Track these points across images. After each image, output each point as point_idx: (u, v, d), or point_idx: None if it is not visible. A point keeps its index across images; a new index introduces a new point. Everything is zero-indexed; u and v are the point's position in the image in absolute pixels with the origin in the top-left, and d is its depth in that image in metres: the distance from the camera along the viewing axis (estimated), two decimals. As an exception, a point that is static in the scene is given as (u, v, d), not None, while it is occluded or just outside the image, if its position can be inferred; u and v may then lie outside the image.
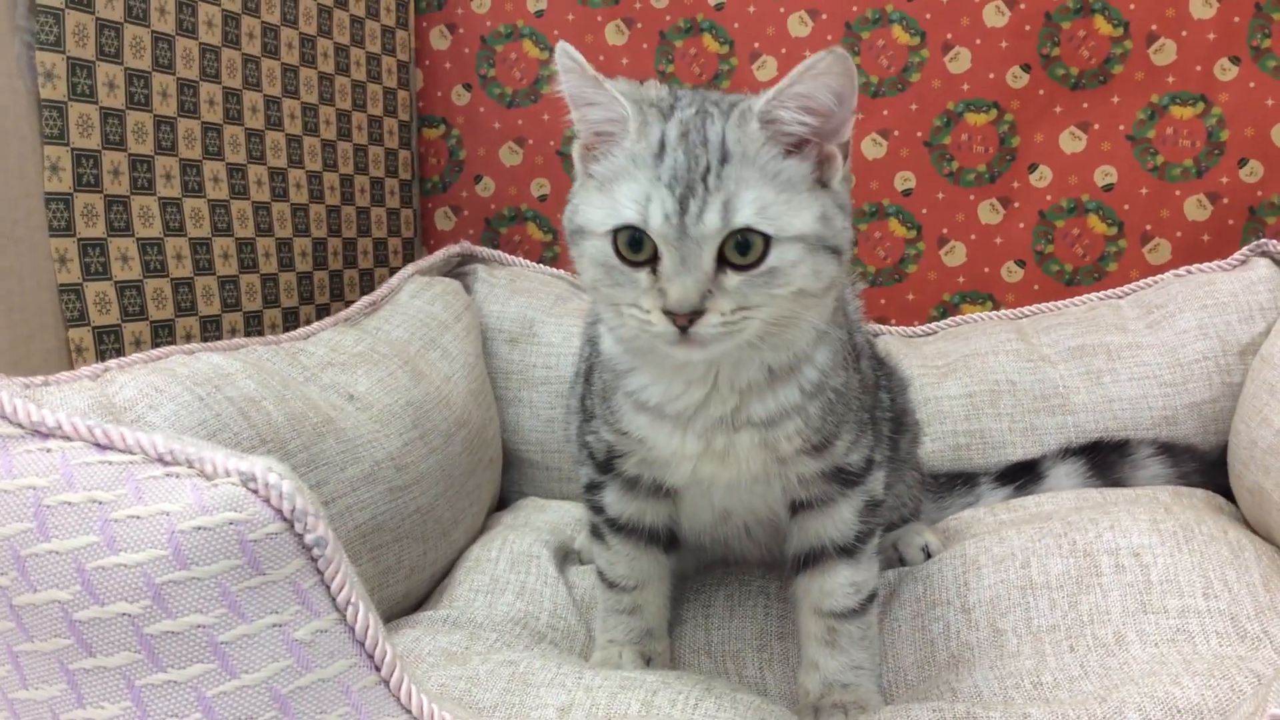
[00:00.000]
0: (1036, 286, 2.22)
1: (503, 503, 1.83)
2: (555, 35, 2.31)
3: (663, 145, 0.98)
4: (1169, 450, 1.62)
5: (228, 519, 0.73)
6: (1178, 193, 2.13)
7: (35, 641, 0.74)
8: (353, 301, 1.79)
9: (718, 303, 0.96)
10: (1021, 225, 2.21)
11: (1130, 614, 1.18)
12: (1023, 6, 2.13)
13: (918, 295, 2.28)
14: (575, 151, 1.07)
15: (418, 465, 1.44)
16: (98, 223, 1.47)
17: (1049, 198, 2.19)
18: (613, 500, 1.26)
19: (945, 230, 2.24)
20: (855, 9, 2.20)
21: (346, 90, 2.10)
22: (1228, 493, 1.57)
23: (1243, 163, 2.10)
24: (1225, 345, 1.66)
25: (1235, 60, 2.08)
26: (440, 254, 1.94)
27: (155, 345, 1.56)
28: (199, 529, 0.73)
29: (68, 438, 0.78)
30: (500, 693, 1.07)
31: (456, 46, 2.38)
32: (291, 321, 1.93)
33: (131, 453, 0.77)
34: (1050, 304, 1.92)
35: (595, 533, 1.30)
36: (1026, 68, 2.16)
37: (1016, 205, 2.21)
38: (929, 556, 1.43)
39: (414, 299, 1.75)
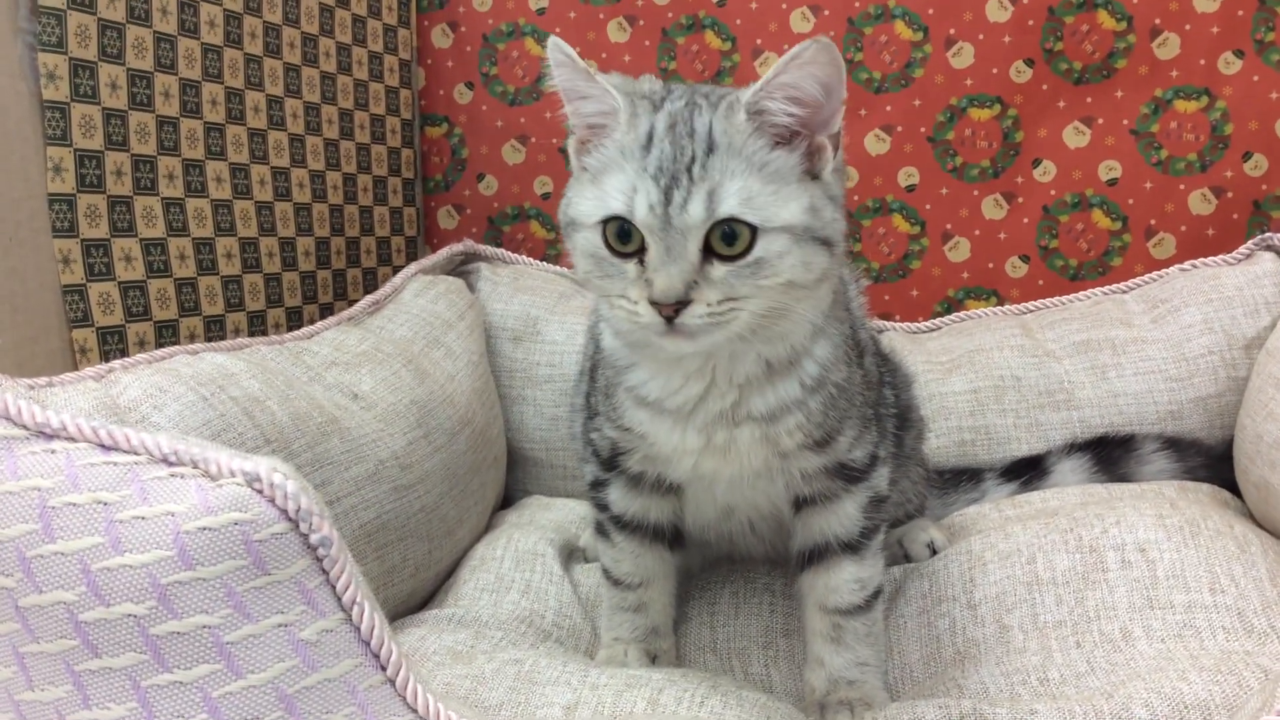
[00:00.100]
0: (1041, 282, 2.21)
1: (507, 501, 1.83)
2: (557, 33, 2.30)
3: (650, 136, 0.99)
4: (1174, 445, 1.61)
5: (233, 519, 0.73)
6: (1182, 187, 2.13)
7: (41, 643, 0.74)
8: (356, 300, 1.79)
9: (704, 293, 0.96)
10: (1025, 220, 2.21)
11: (1136, 609, 1.18)
12: (1025, 1, 2.13)
13: (922, 291, 2.27)
14: (570, 146, 1.08)
15: (422, 464, 1.44)
16: (101, 223, 1.47)
17: (1053, 193, 2.19)
18: (617, 497, 1.26)
19: (949, 226, 2.24)
20: (858, 4, 2.19)
21: (349, 89, 2.10)
22: (1234, 487, 1.56)
23: (1247, 156, 2.09)
24: (1230, 339, 1.66)
25: (1239, 54, 2.07)
26: (443, 252, 1.94)
27: (159, 345, 1.56)
28: (204, 529, 0.72)
29: (72, 439, 0.78)
30: (506, 691, 1.07)
31: (458, 45, 2.37)
32: (295, 321, 1.93)
33: (136, 453, 0.77)
34: (1055, 299, 1.91)
35: (600, 530, 1.30)
36: (1030, 62, 2.15)
37: (1020, 200, 2.21)
38: (934, 553, 1.43)
39: (417, 298, 1.75)
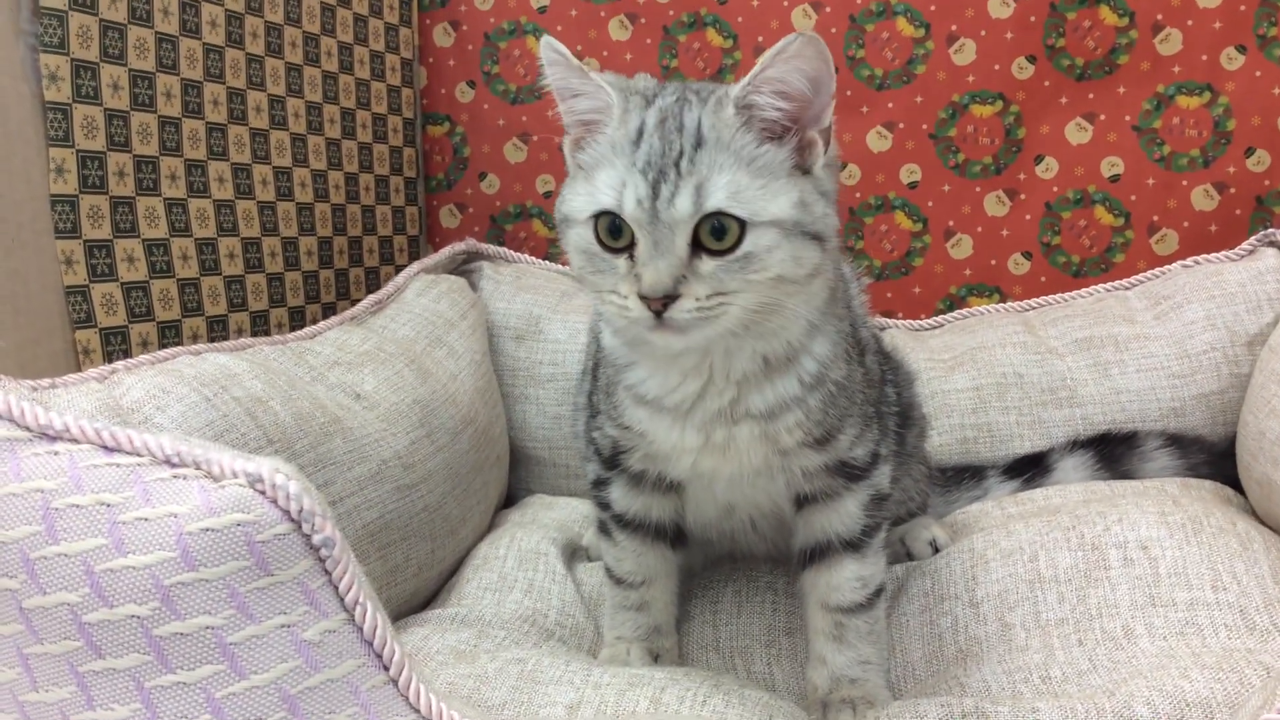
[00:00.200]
0: (1043, 278, 2.21)
1: (510, 500, 1.83)
2: (558, 31, 2.31)
3: (641, 132, 0.99)
4: (1177, 442, 1.61)
5: (235, 520, 0.73)
6: (1184, 183, 2.13)
7: (45, 644, 0.74)
8: (358, 300, 1.79)
9: (692, 288, 0.96)
10: (1028, 217, 2.21)
11: (1139, 607, 1.18)
12: (1027, -3, 2.13)
13: (924, 288, 2.27)
14: (565, 145, 1.08)
15: (425, 464, 1.44)
16: (103, 224, 1.48)
17: (1055, 189, 2.19)
18: (619, 496, 1.26)
19: (951, 223, 2.24)
20: (859, 1, 2.19)
21: (350, 88, 2.11)
22: (1236, 484, 1.56)
23: (1249, 152, 2.09)
24: (1233, 336, 1.65)
25: (1241, 49, 2.07)
26: (445, 252, 1.94)
27: (162, 346, 1.57)
28: (207, 530, 0.73)
29: (75, 440, 0.78)
30: (509, 690, 1.07)
31: (460, 43, 2.37)
32: (298, 321, 1.93)
33: (139, 455, 0.77)
34: (1057, 296, 1.91)
35: (602, 529, 1.31)
36: (1032, 59, 2.15)
37: (1023, 197, 2.20)
38: (936, 551, 1.43)
39: (420, 297, 1.75)
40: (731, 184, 0.96)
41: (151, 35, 1.56)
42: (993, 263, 2.23)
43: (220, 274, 1.72)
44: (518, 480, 1.86)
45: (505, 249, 2.02)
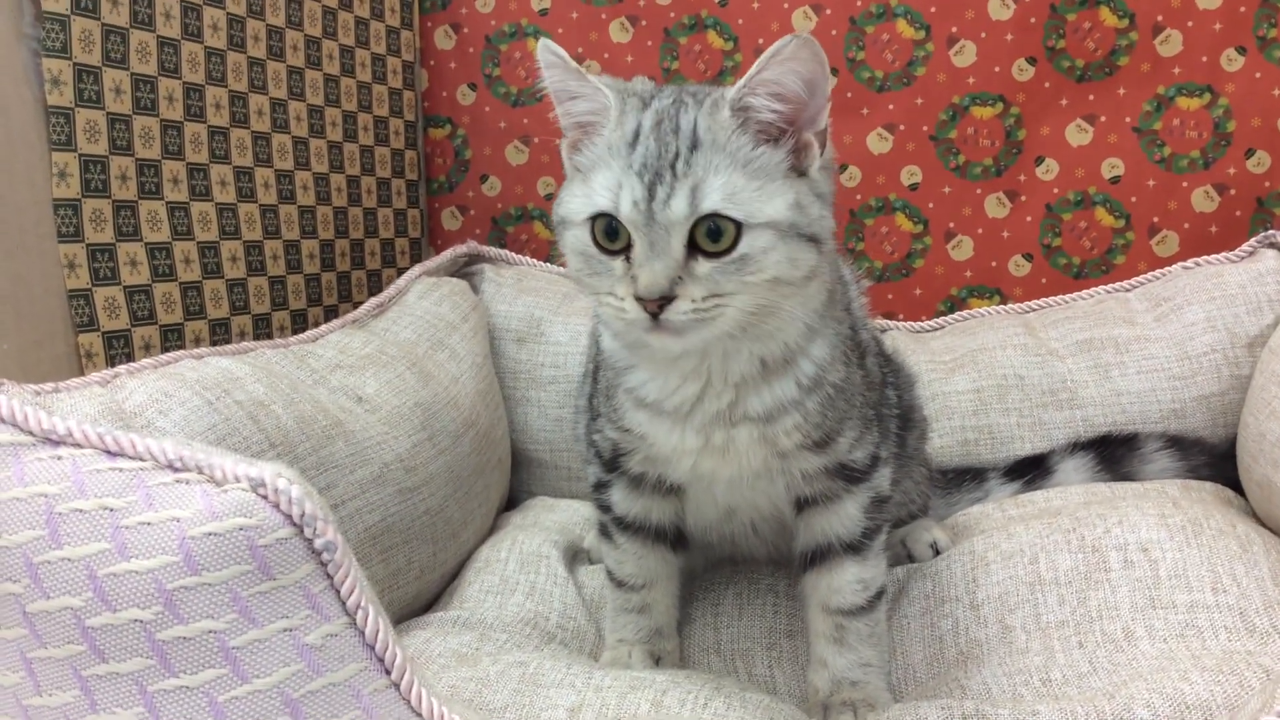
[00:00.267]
0: (1044, 280, 2.21)
1: (512, 502, 1.83)
2: (559, 33, 2.31)
3: (637, 134, 1.00)
4: (1178, 444, 1.62)
5: (238, 525, 0.74)
6: (1185, 184, 2.13)
7: (48, 648, 0.74)
8: (360, 302, 1.80)
9: (688, 289, 0.96)
10: (1028, 219, 2.21)
11: (1139, 609, 1.18)
12: (1028, -1, 2.13)
13: (925, 290, 2.27)
14: (563, 149, 1.08)
15: (427, 466, 1.44)
16: (106, 228, 1.48)
17: (1056, 191, 2.19)
18: (619, 498, 1.26)
19: (952, 224, 2.24)
20: (859, 3, 2.20)
21: (352, 92, 2.11)
22: (1237, 486, 1.56)
23: (1250, 153, 2.09)
24: (1234, 337, 1.65)
25: (1241, 50, 2.07)
26: (447, 254, 1.94)
27: (164, 349, 1.57)
28: (209, 535, 0.73)
29: (78, 445, 0.79)
30: (511, 694, 1.08)
31: (461, 46, 2.38)
32: (300, 323, 1.94)
33: (141, 459, 0.77)
34: (1058, 298, 1.91)
35: (603, 532, 1.31)
36: (1032, 60, 2.15)
37: (1023, 199, 2.21)
38: (937, 553, 1.43)
39: (421, 300, 1.75)
40: (727, 186, 0.96)
41: (153, 39, 1.56)
42: (993, 264, 2.24)
43: (222, 277, 1.73)
44: (519, 482, 1.86)
45: (507, 251, 2.03)
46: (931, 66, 2.19)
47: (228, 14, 1.73)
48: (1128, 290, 1.86)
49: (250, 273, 1.80)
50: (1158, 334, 1.71)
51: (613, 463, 1.24)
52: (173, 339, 1.61)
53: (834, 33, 2.21)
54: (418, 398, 1.50)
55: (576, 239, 1.03)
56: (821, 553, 1.21)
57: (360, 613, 0.78)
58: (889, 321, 2.00)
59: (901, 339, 1.87)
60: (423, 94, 2.40)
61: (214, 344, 1.65)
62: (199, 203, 1.67)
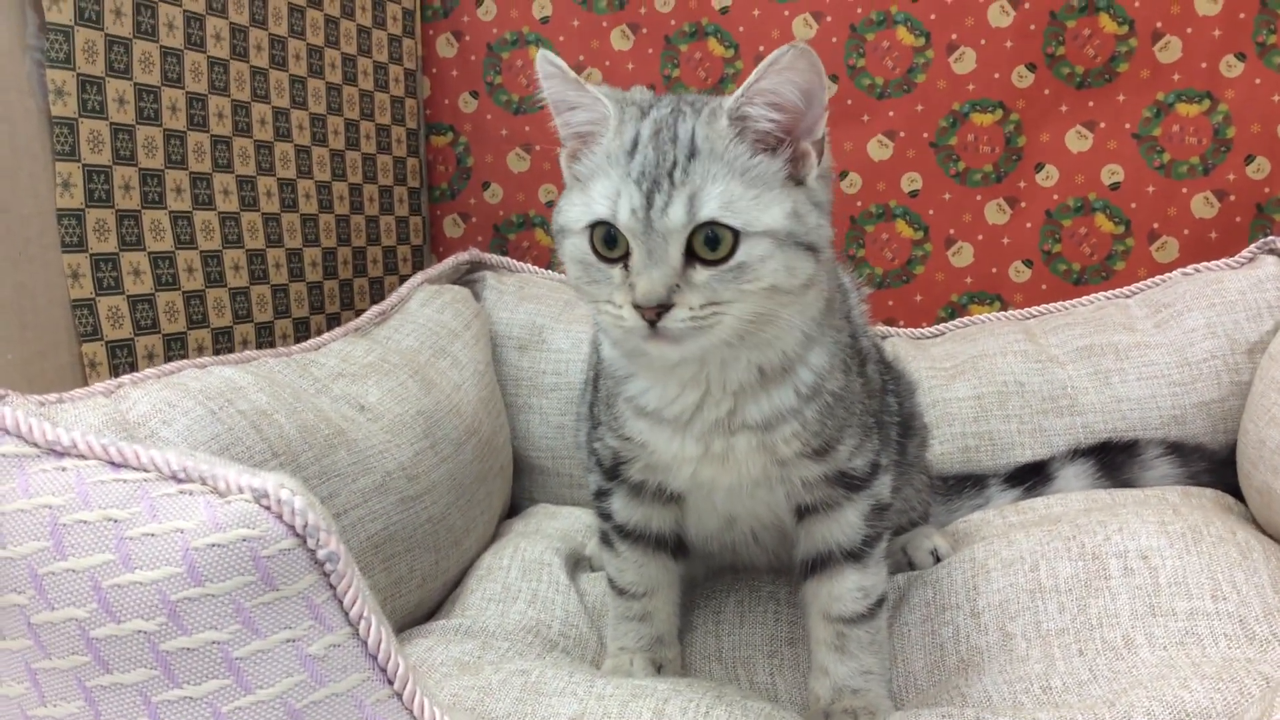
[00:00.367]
0: (1044, 286, 2.21)
1: (514, 510, 1.84)
2: (561, 41, 2.32)
3: (636, 142, 1.00)
4: (1178, 450, 1.62)
5: (241, 535, 0.74)
6: (1185, 190, 2.13)
7: (53, 659, 0.75)
8: (363, 310, 1.80)
9: (686, 297, 0.97)
10: (1029, 225, 2.21)
11: (1139, 617, 1.18)
12: (1027, 6, 2.13)
13: (925, 296, 2.28)
14: (562, 159, 1.09)
15: (429, 475, 1.45)
16: (109, 237, 1.49)
17: (1056, 197, 2.19)
18: (620, 506, 1.27)
19: (952, 231, 2.24)
20: (860, 11, 2.20)
21: (354, 100, 2.12)
22: (1238, 492, 1.56)
23: (1249, 159, 2.09)
24: (1233, 344, 1.66)
25: (1241, 57, 2.07)
26: (449, 262, 1.95)
27: (168, 358, 1.58)
28: (213, 546, 0.73)
29: (83, 456, 0.79)
30: (513, 702, 1.08)
31: (463, 54, 2.39)
32: (302, 331, 1.94)
33: (145, 470, 0.78)
34: (1058, 304, 1.92)
35: (604, 540, 1.31)
36: (1032, 67, 2.15)
37: (1023, 205, 2.21)
38: (938, 560, 1.43)
39: (423, 307, 1.76)
40: (725, 194, 0.97)
41: (156, 49, 1.57)
42: (994, 270, 2.24)
43: (225, 286, 1.73)
44: (521, 489, 1.87)
45: (508, 258, 2.03)
46: (931, 73, 2.20)
47: (230, 23, 1.73)
48: (1128, 296, 1.86)
49: (253, 281, 1.80)
50: (1158, 340, 1.71)
51: (613, 471, 1.24)
52: (176, 348, 1.61)
53: (834, 40, 2.21)
54: (420, 406, 1.51)
55: (575, 247, 1.03)
56: (822, 560, 1.21)
57: (363, 623, 0.79)
58: (889, 328, 2.01)
59: (902, 345, 1.88)
60: (425, 102, 2.41)
61: (217, 352, 1.66)
62: (202, 211, 1.68)
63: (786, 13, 2.22)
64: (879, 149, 2.24)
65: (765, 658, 1.32)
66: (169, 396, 1.16)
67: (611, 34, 2.30)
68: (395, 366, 1.55)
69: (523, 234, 2.42)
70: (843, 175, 2.25)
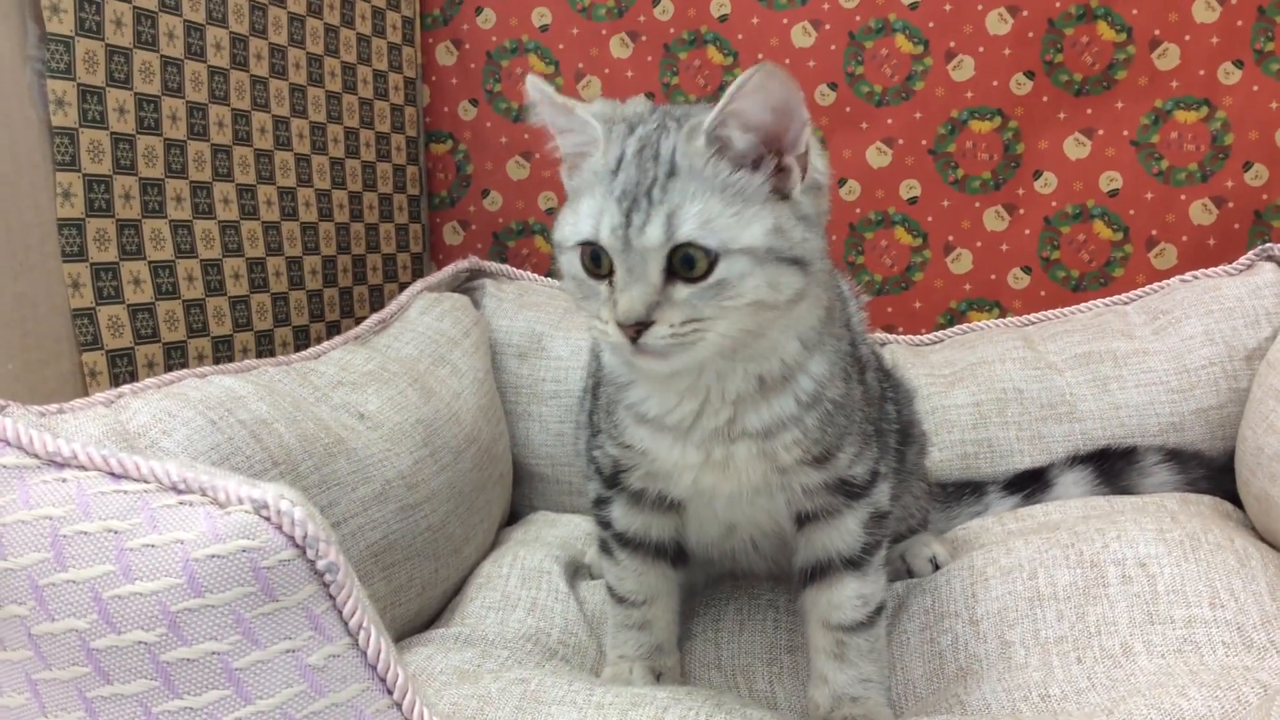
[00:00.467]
0: (1043, 293, 2.22)
1: (513, 517, 1.84)
2: (560, 49, 2.33)
3: (620, 160, 1.01)
4: (1176, 457, 1.62)
5: (241, 546, 0.74)
6: (1183, 197, 2.14)
7: (53, 670, 0.75)
8: (363, 318, 1.80)
9: (666, 314, 0.97)
10: (1027, 232, 2.22)
11: (1137, 625, 1.18)
12: (1025, 13, 2.14)
13: (924, 303, 2.28)
14: (562, 173, 1.10)
15: (428, 483, 1.45)
16: (110, 247, 1.49)
17: (1054, 204, 2.20)
18: (620, 515, 1.27)
19: (951, 238, 2.25)
20: (858, 18, 2.21)
21: (354, 108, 2.12)
22: (1236, 499, 1.57)
23: (1247, 166, 2.10)
24: (1232, 351, 1.66)
25: (1239, 64, 2.08)
26: (449, 270, 1.95)
27: (168, 367, 1.58)
28: (213, 557, 0.74)
29: (83, 467, 0.79)
30: (512, 711, 1.08)
31: (463, 62, 2.39)
32: (302, 339, 1.95)
33: (145, 482, 0.78)
34: (1056, 311, 1.92)
35: (604, 548, 1.31)
36: (1030, 74, 2.16)
37: (1022, 212, 2.22)
38: (937, 568, 1.44)
39: (423, 315, 1.76)
40: (703, 213, 0.96)
41: (157, 59, 1.57)
42: (992, 277, 2.24)
43: (225, 294, 1.74)
44: (521, 497, 1.87)
45: (508, 266, 2.04)
46: (930, 81, 2.20)
47: (230, 33, 1.74)
48: (1126, 303, 1.86)
49: (253, 289, 1.81)
50: (1156, 347, 1.72)
51: (613, 479, 1.24)
52: (176, 357, 1.62)
53: (833, 47, 2.22)
54: (419, 414, 1.51)
55: (569, 262, 1.04)
56: (822, 568, 1.21)
57: (362, 633, 0.79)
58: (888, 335, 2.01)
59: (901, 352, 1.88)
60: (424, 110, 2.42)
61: (217, 361, 1.67)
62: (202, 220, 1.68)
63: (785, 20, 2.23)
64: (878, 156, 2.25)
65: (764, 666, 1.32)
66: (169, 406, 1.16)
67: (610, 42, 2.31)
68: (395, 375, 1.56)
69: (522, 241, 2.43)
70: (842, 182, 2.26)
